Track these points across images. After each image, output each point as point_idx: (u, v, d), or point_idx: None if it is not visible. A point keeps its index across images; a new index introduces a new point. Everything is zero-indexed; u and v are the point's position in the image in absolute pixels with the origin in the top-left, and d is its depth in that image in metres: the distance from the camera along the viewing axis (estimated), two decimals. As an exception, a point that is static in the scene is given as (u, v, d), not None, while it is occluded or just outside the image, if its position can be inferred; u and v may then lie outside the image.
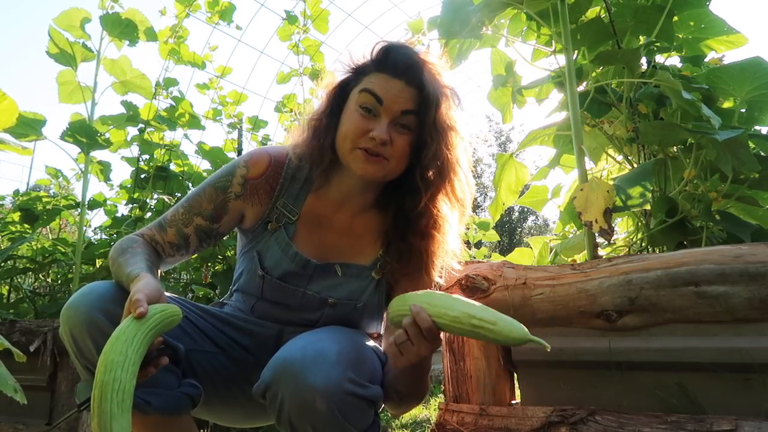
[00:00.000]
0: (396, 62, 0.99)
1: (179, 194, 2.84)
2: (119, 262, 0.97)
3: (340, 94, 1.05)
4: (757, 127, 1.63)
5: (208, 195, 1.08)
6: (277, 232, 1.09)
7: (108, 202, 3.03)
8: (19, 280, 2.73)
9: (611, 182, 1.48)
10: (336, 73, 1.07)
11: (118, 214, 3.02)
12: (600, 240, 1.54)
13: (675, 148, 1.66)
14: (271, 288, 1.08)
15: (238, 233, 1.18)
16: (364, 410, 0.86)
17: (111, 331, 0.87)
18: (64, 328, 0.91)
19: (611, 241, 1.78)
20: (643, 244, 1.67)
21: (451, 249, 1.11)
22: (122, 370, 0.75)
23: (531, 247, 2.32)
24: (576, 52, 1.80)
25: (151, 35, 2.77)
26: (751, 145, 1.48)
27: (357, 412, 0.84)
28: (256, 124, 3.59)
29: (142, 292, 0.83)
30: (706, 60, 1.80)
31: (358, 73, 1.04)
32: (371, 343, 1.04)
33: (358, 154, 0.98)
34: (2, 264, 2.46)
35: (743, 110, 1.60)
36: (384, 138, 0.96)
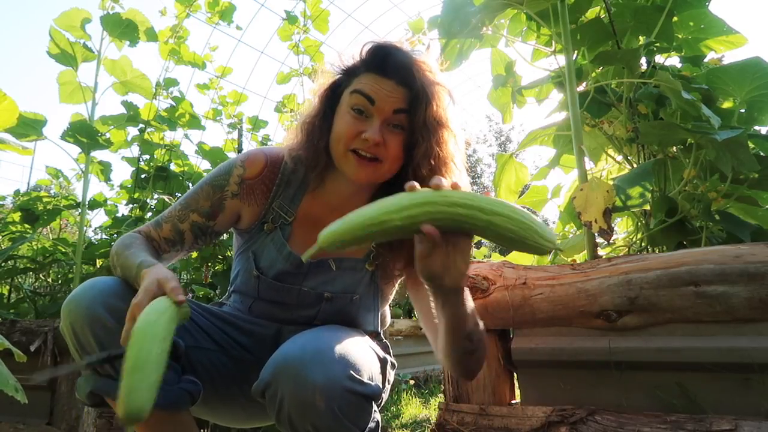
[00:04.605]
0: (386, 62, 0.99)
1: (179, 194, 2.84)
2: (125, 255, 0.98)
3: (331, 96, 1.06)
4: (756, 127, 1.64)
5: (205, 192, 1.09)
6: (273, 233, 1.10)
7: (108, 202, 3.03)
8: (20, 280, 2.74)
9: (611, 182, 1.48)
10: (327, 74, 1.08)
11: (119, 214, 3.03)
12: (600, 240, 1.54)
13: (675, 148, 1.66)
14: (267, 287, 1.09)
15: (234, 234, 1.19)
16: (363, 408, 0.86)
17: (113, 326, 0.88)
18: (66, 322, 0.91)
19: (611, 241, 1.78)
20: (643, 244, 1.67)
21: None
22: (160, 347, 0.76)
23: (531, 247, 2.31)
24: (576, 52, 1.80)
25: (152, 35, 2.77)
26: (751, 145, 1.48)
27: (357, 410, 0.84)
28: (256, 124, 3.60)
29: (175, 281, 0.85)
30: (705, 60, 1.80)
31: (349, 74, 1.04)
32: (370, 342, 1.04)
33: (350, 158, 0.99)
34: (3, 264, 2.46)
35: (743, 110, 1.61)
36: (377, 139, 0.96)
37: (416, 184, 0.75)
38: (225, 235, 1.19)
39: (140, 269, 0.91)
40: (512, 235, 0.73)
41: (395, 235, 0.74)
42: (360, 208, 0.74)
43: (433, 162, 1.01)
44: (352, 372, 0.83)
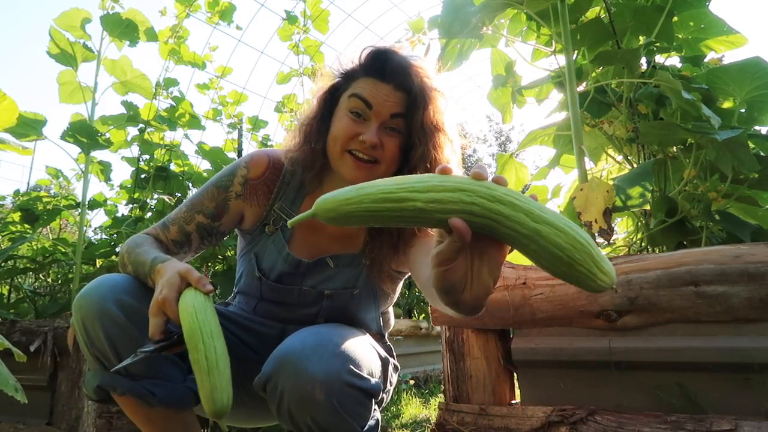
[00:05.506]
0: (384, 66, 1.00)
1: (179, 194, 2.84)
2: (137, 252, 0.99)
3: (330, 99, 1.07)
4: (756, 127, 1.64)
5: (210, 194, 1.10)
6: (274, 235, 1.11)
7: (108, 202, 3.03)
8: (20, 280, 2.73)
9: (611, 182, 1.48)
10: (326, 78, 1.09)
11: (119, 214, 3.02)
12: (600, 240, 1.54)
13: (675, 148, 1.66)
14: (268, 289, 1.11)
15: (238, 235, 1.20)
16: (362, 403, 0.86)
17: (123, 322, 0.89)
18: (76, 316, 0.92)
19: (611, 241, 1.78)
20: (643, 244, 1.67)
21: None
22: (221, 342, 0.82)
23: (531, 247, 2.31)
24: (576, 52, 1.80)
25: (152, 35, 2.77)
26: (751, 145, 1.48)
27: (355, 405, 0.85)
28: (256, 124, 3.60)
29: (197, 272, 0.87)
30: (705, 60, 1.80)
31: (348, 77, 1.05)
32: (372, 341, 1.05)
33: (347, 160, 1.00)
34: (3, 264, 2.46)
35: (743, 110, 1.61)
36: (374, 142, 0.97)
37: (450, 167, 0.61)
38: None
39: (155, 264, 0.93)
40: (561, 253, 0.55)
41: (406, 221, 0.59)
42: (373, 181, 0.60)
43: (429, 166, 1.02)
44: (351, 366, 0.84)
